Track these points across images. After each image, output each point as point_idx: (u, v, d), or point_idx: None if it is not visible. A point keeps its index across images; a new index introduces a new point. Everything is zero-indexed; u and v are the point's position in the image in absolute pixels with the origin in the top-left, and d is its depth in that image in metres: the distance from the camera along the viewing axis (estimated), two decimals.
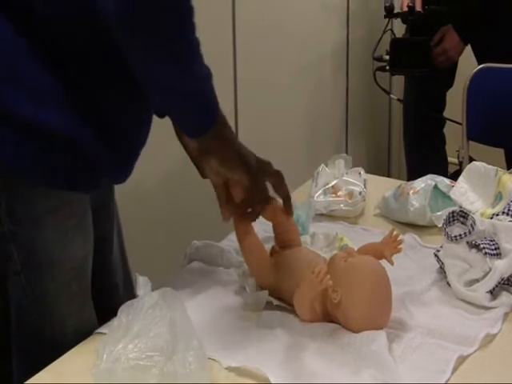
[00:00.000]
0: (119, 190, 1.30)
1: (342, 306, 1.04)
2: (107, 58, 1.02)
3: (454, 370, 0.99)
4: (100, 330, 1.09)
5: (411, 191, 1.42)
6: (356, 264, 1.07)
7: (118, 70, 1.03)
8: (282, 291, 1.13)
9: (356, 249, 1.15)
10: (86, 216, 1.11)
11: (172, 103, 1.05)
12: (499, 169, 1.39)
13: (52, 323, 1.09)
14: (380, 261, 1.10)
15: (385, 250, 1.11)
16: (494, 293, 1.14)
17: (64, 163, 1.02)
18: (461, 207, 1.33)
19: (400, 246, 1.11)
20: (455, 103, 2.45)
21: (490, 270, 1.14)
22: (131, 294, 1.30)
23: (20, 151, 1.00)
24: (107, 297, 1.25)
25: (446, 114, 2.86)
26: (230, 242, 1.34)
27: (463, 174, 1.42)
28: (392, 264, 1.10)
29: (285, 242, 1.20)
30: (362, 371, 0.96)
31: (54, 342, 1.09)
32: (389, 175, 3.30)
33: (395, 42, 2.53)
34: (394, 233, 1.12)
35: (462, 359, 1.01)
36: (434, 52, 2.56)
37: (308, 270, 1.04)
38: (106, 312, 1.18)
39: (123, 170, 1.11)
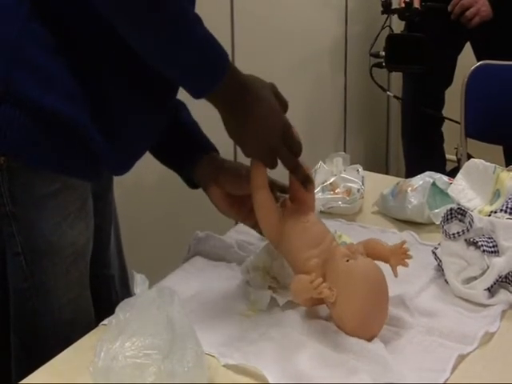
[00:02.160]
0: (120, 185, 1.31)
1: (337, 307, 1.03)
2: (114, 48, 1.03)
3: (454, 368, 0.98)
4: (102, 323, 1.09)
5: (409, 188, 1.42)
6: (356, 269, 1.04)
7: (125, 61, 1.03)
8: (283, 252, 1.12)
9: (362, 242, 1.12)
10: (86, 203, 1.12)
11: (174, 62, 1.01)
12: (497, 166, 1.38)
13: (50, 309, 1.10)
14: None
15: (391, 258, 1.09)
16: (491, 290, 1.13)
17: (66, 148, 1.03)
18: (459, 204, 1.33)
19: (407, 260, 1.09)
20: (454, 101, 2.45)
21: (488, 267, 1.13)
22: (126, 289, 1.31)
23: (24, 134, 1.01)
24: (103, 287, 1.25)
25: (444, 111, 2.86)
26: (229, 238, 1.34)
27: (461, 171, 1.42)
28: (396, 276, 1.08)
29: (298, 197, 1.14)
30: (360, 371, 0.96)
31: (52, 328, 1.10)
32: (387, 172, 3.30)
33: (391, 38, 2.53)
34: (405, 245, 1.09)
35: (461, 358, 1.00)
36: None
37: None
38: (101, 303, 1.19)
39: (122, 163, 1.11)
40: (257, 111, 1.04)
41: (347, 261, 1.04)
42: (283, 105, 1.09)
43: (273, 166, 1.09)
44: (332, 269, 1.05)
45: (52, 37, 1.01)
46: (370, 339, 1.02)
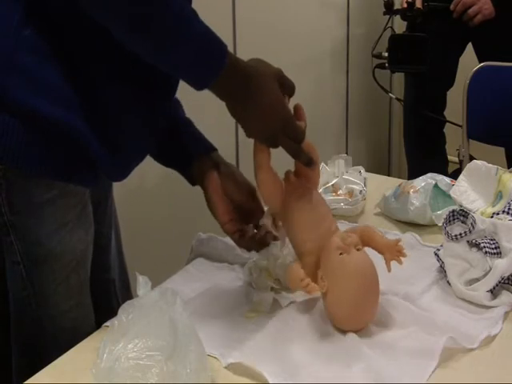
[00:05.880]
0: (122, 187, 1.30)
1: (328, 298, 1.06)
2: (109, 52, 1.02)
3: (455, 369, 0.98)
4: (105, 325, 1.09)
5: (411, 190, 1.42)
6: (348, 263, 1.05)
7: (120, 65, 1.03)
8: (285, 229, 1.13)
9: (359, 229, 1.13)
10: (85, 209, 1.11)
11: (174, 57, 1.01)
12: (500, 167, 1.38)
13: (51, 316, 1.09)
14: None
15: (385, 253, 1.10)
16: (494, 292, 1.14)
17: (62, 155, 1.02)
18: (461, 206, 1.33)
19: (401, 257, 1.09)
20: (456, 102, 2.45)
21: (491, 269, 1.13)
22: (127, 292, 1.31)
23: (21, 142, 1.00)
24: (103, 292, 1.25)
25: (446, 112, 2.86)
26: (231, 240, 1.34)
27: (463, 172, 1.42)
28: (389, 271, 1.09)
29: (302, 173, 1.15)
30: (356, 368, 0.97)
31: (53, 335, 1.09)
32: (389, 174, 3.31)
33: (394, 38, 2.53)
34: (400, 243, 1.10)
35: (463, 358, 1.00)
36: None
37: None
38: (101, 307, 1.18)
39: (119, 168, 1.11)
40: (258, 100, 1.05)
41: (340, 254, 1.06)
42: (289, 88, 1.10)
43: (274, 147, 1.10)
44: (325, 260, 1.06)
45: (45, 43, 1.00)
46: (358, 330, 1.04)
